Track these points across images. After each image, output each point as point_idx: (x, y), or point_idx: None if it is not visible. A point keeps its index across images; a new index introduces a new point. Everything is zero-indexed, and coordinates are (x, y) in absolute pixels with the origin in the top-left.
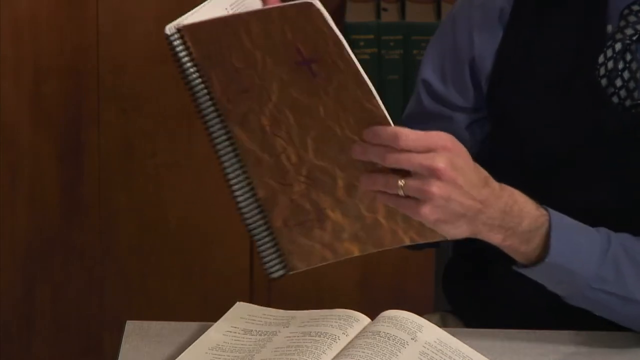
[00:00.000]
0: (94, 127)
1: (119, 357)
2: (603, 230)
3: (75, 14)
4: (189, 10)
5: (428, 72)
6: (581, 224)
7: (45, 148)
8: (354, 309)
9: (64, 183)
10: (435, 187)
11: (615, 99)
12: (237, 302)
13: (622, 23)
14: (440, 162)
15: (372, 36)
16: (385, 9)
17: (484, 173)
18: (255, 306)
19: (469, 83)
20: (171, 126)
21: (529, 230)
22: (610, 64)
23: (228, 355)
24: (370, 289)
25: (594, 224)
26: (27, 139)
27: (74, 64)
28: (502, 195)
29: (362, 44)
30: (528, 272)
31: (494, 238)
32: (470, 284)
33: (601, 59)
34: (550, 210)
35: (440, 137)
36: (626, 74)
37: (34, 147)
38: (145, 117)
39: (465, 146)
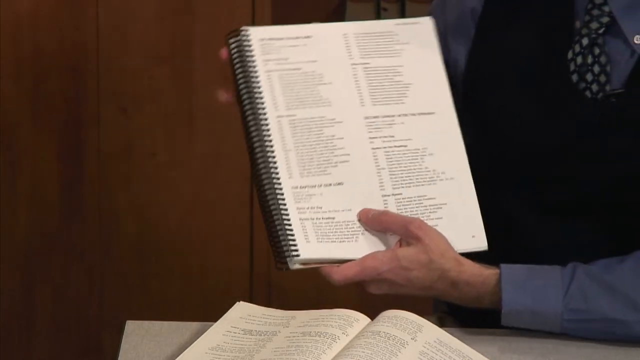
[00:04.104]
0: (94, 127)
1: (119, 357)
2: (570, 264)
3: (75, 13)
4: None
5: None
6: (536, 267)
7: (45, 148)
8: (354, 309)
9: (64, 183)
10: (373, 288)
11: (588, 94)
12: (237, 302)
13: (587, 18)
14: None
15: None
16: (385, 9)
17: (439, 270)
18: (255, 306)
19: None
20: (171, 126)
21: (491, 302)
22: (579, 59)
23: (228, 355)
24: None
25: (582, 217)
26: (27, 139)
27: (74, 64)
28: (454, 290)
29: None
30: (504, 323)
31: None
32: None
33: (570, 54)
34: (503, 265)
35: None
36: (596, 68)
37: (34, 147)
38: (145, 117)
39: None
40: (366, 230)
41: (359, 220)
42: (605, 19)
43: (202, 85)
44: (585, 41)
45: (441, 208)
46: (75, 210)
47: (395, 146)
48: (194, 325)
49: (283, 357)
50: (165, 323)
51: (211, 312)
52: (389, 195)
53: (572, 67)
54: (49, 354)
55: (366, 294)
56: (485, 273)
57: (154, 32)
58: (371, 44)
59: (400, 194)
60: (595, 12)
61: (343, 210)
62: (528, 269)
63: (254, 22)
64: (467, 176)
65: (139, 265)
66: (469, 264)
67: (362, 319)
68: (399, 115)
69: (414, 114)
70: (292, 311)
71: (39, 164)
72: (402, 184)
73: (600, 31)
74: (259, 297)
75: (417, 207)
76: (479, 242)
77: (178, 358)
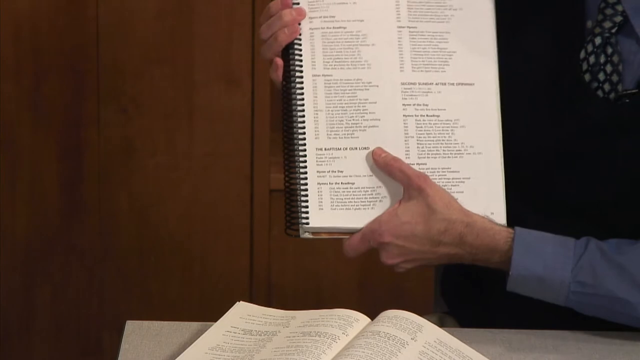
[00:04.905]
0: (94, 127)
1: (119, 357)
2: (584, 238)
3: (75, 13)
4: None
5: None
6: (550, 235)
7: (45, 148)
8: (354, 309)
9: (64, 183)
10: (384, 256)
11: (600, 93)
12: (237, 302)
13: (600, 17)
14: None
15: None
16: None
17: (445, 221)
18: (255, 306)
19: None
20: (171, 126)
21: (500, 261)
22: (591, 59)
23: (228, 355)
24: (370, 289)
25: (586, 218)
26: (27, 139)
27: (74, 64)
28: (464, 244)
29: None
30: (509, 287)
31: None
32: (467, 286)
33: (582, 54)
34: (517, 228)
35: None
36: (609, 68)
37: (34, 147)
38: (145, 117)
39: None
40: (384, 197)
41: (372, 156)
42: (618, 18)
43: (202, 85)
44: (598, 40)
45: (464, 182)
46: (75, 210)
47: (428, 115)
48: (194, 325)
49: (283, 357)
50: (165, 323)
51: (211, 312)
52: (413, 164)
53: (584, 66)
54: (49, 354)
55: (366, 294)
56: (496, 228)
57: (154, 32)
58: (422, 7)
59: (425, 163)
60: (609, 11)
61: (364, 176)
62: (541, 235)
63: (254, 22)
64: (496, 152)
65: (139, 265)
66: (477, 216)
67: (362, 319)
68: (437, 84)
69: (452, 84)
70: (292, 311)
71: (39, 164)
72: (428, 154)
73: (613, 30)
74: (259, 297)
75: (439, 178)
76: (498, 219)
77: (178, 358)
